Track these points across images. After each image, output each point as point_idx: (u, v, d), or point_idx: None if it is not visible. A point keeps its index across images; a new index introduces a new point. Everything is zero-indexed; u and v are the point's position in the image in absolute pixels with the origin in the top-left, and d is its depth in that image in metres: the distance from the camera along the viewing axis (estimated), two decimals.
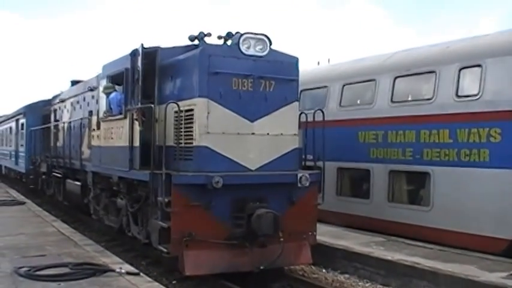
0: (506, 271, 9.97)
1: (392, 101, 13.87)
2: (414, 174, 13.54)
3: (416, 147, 13.15)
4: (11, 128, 30.36)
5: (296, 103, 11.33)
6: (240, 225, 10.26)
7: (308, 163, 12.35)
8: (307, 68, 17.36)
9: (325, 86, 16.19)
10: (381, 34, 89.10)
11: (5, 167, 33.93)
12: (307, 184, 10.80)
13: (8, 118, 32.84)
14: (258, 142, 10.69)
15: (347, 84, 15.48)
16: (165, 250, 10.20)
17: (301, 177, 10.74)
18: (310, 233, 11.17)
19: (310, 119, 12.26)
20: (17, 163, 27.75)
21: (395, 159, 13.66)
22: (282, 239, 10.20)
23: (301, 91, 15.11)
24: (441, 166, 12.52)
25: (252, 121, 10.65)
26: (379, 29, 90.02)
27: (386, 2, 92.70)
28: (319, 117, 12.19)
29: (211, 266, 10.11)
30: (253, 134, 10.66)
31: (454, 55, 12.75)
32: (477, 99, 11.89)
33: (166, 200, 10.01)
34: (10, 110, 38.77)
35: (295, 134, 11.15)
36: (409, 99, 13.66)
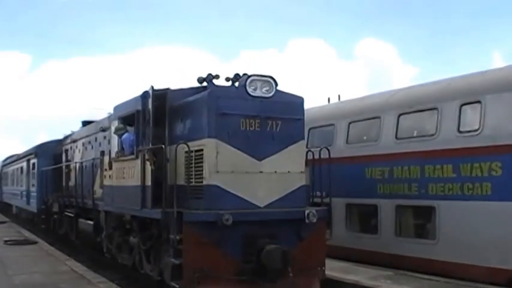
0: None
1: (397, 138, 14.15)
2: (420, 209, 13.76)
3: (421, 182, 13.38)
4: (22, 168, 30.64)
5: (302, 141, 11.64)
6: (250, 261, 10.43)
7: (316, 200, 12.50)
8: (314, 106, 17.73)
9: (332, 124, 16.51)
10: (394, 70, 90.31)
11: (16, 206, 34.11)
12: (315, 220, 11.00)
13: (19, 158, 33.12)
14: (266, 180, 10.93)
15: (353, 122, 15.79)
16: (177, 286, 10.38)
17: (308, 214, 10.95)
18: (319, 268, 11.33)
19: (317, 156, 12.54)
20: (28, 203, 27.95)
21: (402, 194, 13.88)
22: (291, 274, 10.38)
23: (309, 129, 15.48)
24: (446, 200, 12.74)
25: (260, 160, 10.90)
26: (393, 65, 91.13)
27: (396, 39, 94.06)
28: (326, 154, 12.49)
29: None
30: (261, 172, 10.90)
31: (455, 92, 13.07)
32: (478, 134, 12.18)
33: (178, 237, 10.23)
34: (20, 149, 39.15)
35: (302, 172, 11.39)
36: (413, 135, 13.94)
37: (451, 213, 12.63)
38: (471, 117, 12.58)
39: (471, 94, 12.67)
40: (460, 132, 12.63)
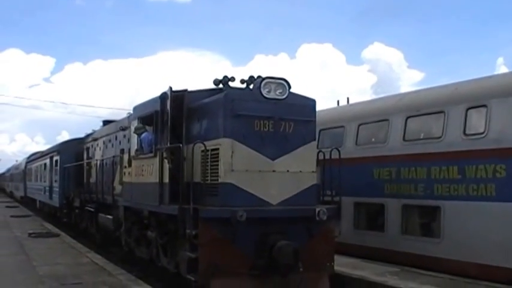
0: None
1: (404, 140, 14.58)
2: (426, 208, 14.18)
3: (427, 183, 13.78)
4: (45, 164, 31.26)
5: (314, 143, 12.06)
6: (262, 256, 10.87)
7: (327, 198, 12.93)
8: (325, 108, 18.16)
9: (342, 126, 16.97)
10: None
11: (40, 201, 34.85)
12: (325, 218, 11.43)
13: (43, 155, 33.84)
14: (278, 179, 11.36)
15: (362, 124, 16.23)
16: (193, 279, 10.85)
17: (319, 212, 11.37)
18: (328, 264, 11.78)
19: (328, 157, 12.93)
20: (51, 198, 28.60)
21: (408, 194, 14.30)
22: (301, 269, 10.82)
23: (320, 130, 15.85)
24: (451, 200, 13.14)
25: (273, 159, 11.34)
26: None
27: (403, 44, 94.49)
28: (336, 155, 12.91)
29: None
30: (274, 171, 11.34)
31: (462, 96, 13.45)
32: (483, 137, 12.56)
33: (194, 232, 10.69)
34: (44, 147, 39.73)
35: (313, 171, 11.82)
36: (420, 137, 14.35)
37: (456, 213, 13.02)
38: (477, 120, 12.92)
39: (477, 98, 13.03)
40: (465, 135, 12.99)
